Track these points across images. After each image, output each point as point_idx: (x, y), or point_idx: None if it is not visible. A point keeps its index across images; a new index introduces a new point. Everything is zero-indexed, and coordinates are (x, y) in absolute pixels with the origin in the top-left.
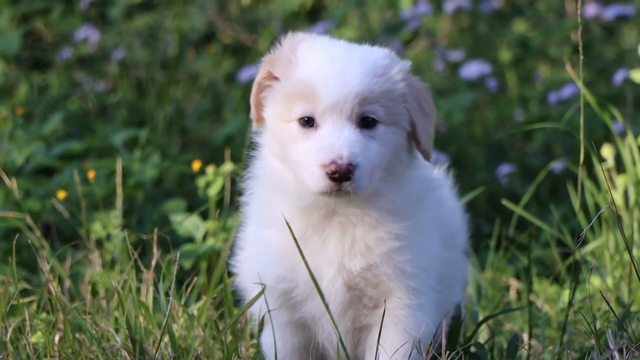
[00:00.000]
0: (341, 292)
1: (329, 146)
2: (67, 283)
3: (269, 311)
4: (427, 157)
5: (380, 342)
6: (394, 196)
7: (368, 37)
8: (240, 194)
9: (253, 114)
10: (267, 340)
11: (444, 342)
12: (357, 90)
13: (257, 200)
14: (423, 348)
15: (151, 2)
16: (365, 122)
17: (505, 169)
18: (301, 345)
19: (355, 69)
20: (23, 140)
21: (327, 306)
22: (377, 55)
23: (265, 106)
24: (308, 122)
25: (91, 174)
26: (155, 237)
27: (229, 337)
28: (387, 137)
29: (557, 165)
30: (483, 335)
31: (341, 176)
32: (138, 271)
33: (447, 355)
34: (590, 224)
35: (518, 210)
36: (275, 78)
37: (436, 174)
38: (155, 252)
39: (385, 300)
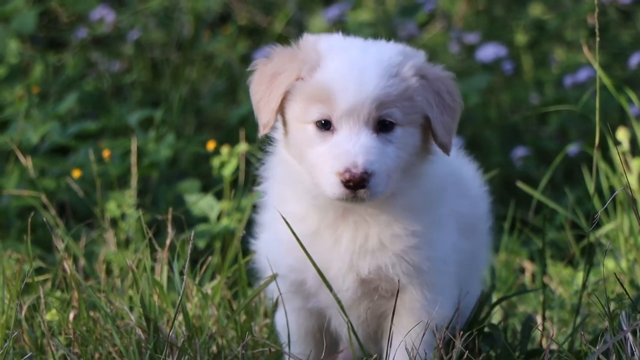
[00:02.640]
0: (353, 287)
1: (345, 153)
2: (82, 262)
3: (280, 294)
4: (446, 150)
5: (395, 329)
6: (412, 194)
7: (384, 19)
8: (256, 180)
9: (270, 114)
10: (281, 320)
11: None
12: (374, 95)
13: (272, 193)
14: (439, 333)
15: None
16: (382, 126)
17: (520, 152)
18: (315, 329)
19: (371, 72)
20: (38, 119)
21: (339, 302)
22: (390, 53)
23: (286, 106)
24: (325, 125)
25: (106, 153)
26: (169, 217)
27: (243, 317)
28: (405, 140)
29: (572, 149)
30: (496, 317)
31: (356, 184)
32: (152, 250)
33: (461, 335)
34: (605, 206)
35: (533, 193)
36: (301, 78)
37: (461, 159)
38: (170, 232)
39: (399, 290)
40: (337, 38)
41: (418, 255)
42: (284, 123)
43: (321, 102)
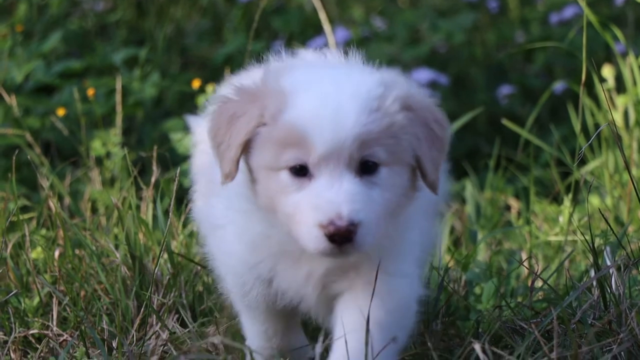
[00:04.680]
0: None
1: (327, 203)
2: (67, 200)
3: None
4: (434, 189)
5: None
6: (389, 230)
7: None
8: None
9: (231, 165)
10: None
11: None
12: (354, 133)
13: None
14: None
15: None
16: (365, 167)
17: (505, 90)
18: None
19: (349, 107)
20: (23, 58)
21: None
22: (369, 83)
23: (250, 153)
24: (300, 170)
25: (91, 92)
26: (154, 155)
27: None
28: (392, 180)
29: (558, 86)
30: (482, 254)
31: (341, 238)
32: (138, 189)
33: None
34: (589, 142)
35: (520, 131)
36: (263, 124)
37: None
38: (155, 170)
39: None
40: (305, 71)
41: (389, 263)
42: (250, 171)
43: (294, 145)
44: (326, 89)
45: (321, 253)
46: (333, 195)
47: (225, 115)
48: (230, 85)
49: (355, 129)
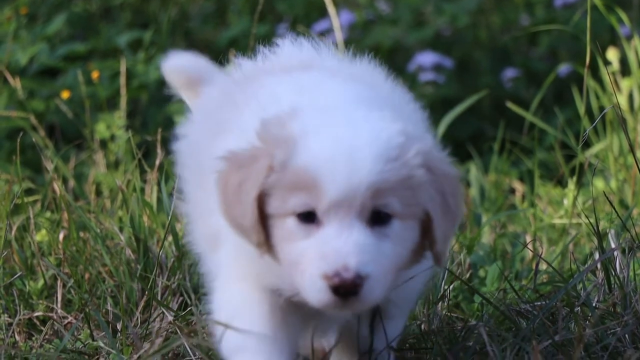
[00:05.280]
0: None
1: (334, 252)
2: (71, 183)
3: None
4: (439, 260)
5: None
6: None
7: None
8: None
9: (256, 234)
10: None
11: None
12: (368, 180)
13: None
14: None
15: None
16: (377, 217)
17: (510, 73)
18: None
19: (365, 153)
20: (27, 40)
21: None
22: (389, 131)
23: (263, 202)
24: (308, 217)
25: (95, 75)
26: (159, 138)
27: None
28: (404, 234)
29: (562, 69)
30: (486, 237)
31: (347, 291)
32: (142, 171)
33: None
34: (594, 125)
35: (525, 114)
36: (271, 169)
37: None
38: (159, 153)
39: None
40: (315, 114)
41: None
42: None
43: (302, 190)
44: (341, 132)
45: (324, 306)
46: (341, 244)
47: (231, 187)
48: (224, 157)
49: (370, 177)
